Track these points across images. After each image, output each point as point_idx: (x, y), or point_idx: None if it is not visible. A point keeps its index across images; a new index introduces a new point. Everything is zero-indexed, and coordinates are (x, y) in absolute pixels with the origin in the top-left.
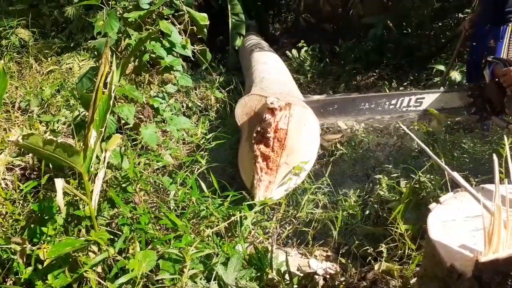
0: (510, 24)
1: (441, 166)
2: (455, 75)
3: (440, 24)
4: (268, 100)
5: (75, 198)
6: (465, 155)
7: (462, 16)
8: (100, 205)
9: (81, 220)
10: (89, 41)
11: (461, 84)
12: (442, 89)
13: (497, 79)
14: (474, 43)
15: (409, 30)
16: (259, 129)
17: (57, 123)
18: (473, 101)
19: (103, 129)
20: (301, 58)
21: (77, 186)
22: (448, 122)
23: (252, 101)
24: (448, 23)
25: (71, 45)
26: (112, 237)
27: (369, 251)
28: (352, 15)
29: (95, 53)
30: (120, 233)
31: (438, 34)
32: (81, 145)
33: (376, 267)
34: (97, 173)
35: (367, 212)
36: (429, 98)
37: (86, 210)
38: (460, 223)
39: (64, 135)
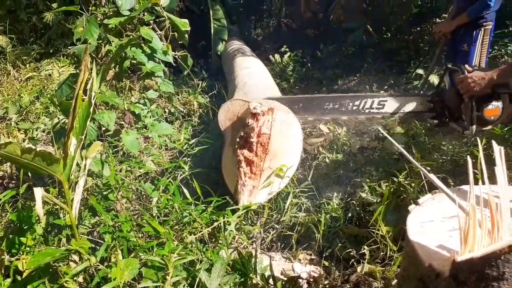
0: (482, 29)
1: (419, 168)
2: (434, 79)
3: (418, 28)
4: (251, 105)
5: (55, 206)
6: (444, 157)
7: (439, 20)
8: (81, 214)
9: (61, 229)
10: (69, 47)
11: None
12: (405, 93)
13: (455, 86)
14: (450, 48)
15: (389, 35)
16: (242, 134)
17: (36, 130)
18: (433, 107)
19: (83, 137)
20: (284, 63)
21: (57, 195)
22: (428, 125)
23: (235, 106)
24: (426, 28)
25: (50, 51)
26: (93, 245)
27: (352, 253)
28: (333, 20)
29: (75, 59)
30: (102, 242)
31: (416, 39)
32: (61, 153)
33: (359, 269)
34: (78, 181)
35: (350, 214)
36: (391, 101)
37: (66, 219)
38: (438, 224)
39: (44, 143)
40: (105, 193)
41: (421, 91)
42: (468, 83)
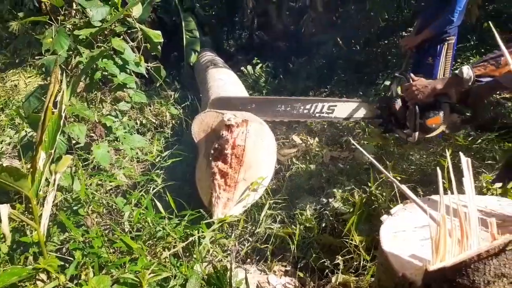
0: (445, 43)
1: (391, 179)
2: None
3: (385, 42)
4: (225, 117)
5: (21, 223)
6: (413, 167)
7: (405, 34)
8: (49, 230)
9: (28, 247)
10: (36, 57)
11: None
12: (355, 99)
13: (401, 94)
14: (416, 61)
15: (358, 48)
16: (216, 145)
17: (1, 143)
18: (380, 113)
19: (52, 150)
20: (256, 75)
21: (24, 211)
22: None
23: (209, 117)
24: (393, 41)
25: (16, 62)
26: (63, 263)
27: (326, 263)
28: (304, 33)
29: (43, 70)
30: (72, 259)
31: (384, 51)
32: (29, 168)
33: (333, 279)
34: (46, 196)
35: (323, 224)
36: (340, 107)
37: (34, 236)
38: (410, 233)
39: (9, 157)
40: (75, 208)
41: None
42: (412, 90)
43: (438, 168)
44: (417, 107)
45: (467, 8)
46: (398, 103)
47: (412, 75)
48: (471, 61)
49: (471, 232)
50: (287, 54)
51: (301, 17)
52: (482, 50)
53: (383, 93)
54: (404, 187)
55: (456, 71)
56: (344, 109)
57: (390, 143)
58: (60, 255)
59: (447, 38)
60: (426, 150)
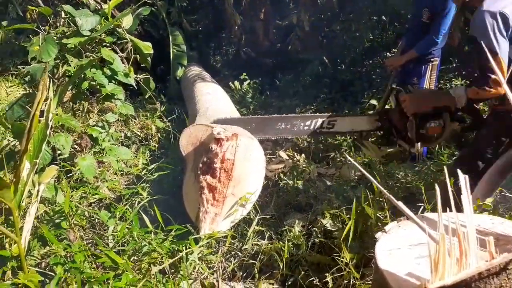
0: (430, 64)
1: (390, 199)
2: None
3: (370, 61)
4: (214, 130)
5: None
6: (398, 185)
7: (389, 54)
8: (29, 243)
9: (6, 261)
10: (19, 66)
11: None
12: (354, 113)
13: (400, 106)
14: (401, 81)
15: (343, 67)
16: (205, 159)
17: None
18: (381, 125)
19: (37, 160)
20: (243, 90)
21: (3, 222)
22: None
23: (198, 131)
24: (378, 61)
25: None
26: (43, 278)
27: (315, 281)
28: (291, 51)
29: (26, 79)
30: (52, 274)
31: (369, 71)
32: (11, 178)
33: None
34: (28, 208)
35: (312, 241)
36: (340, 121)
37: (13, 249)
38: (405, 251)
39: None
40: (57, 220)
41: None
42: (410, 102)
43: (436, 185)
44: (416, 118)
45: (449, 31)
46: (397, 115)
47: (409, 86)
48: (453, 82)
49: (470, 250)
50: (274, 71)
51: (288, 35)
52: (464, 73)
53: (370, 112)
54: (401, 205)
55: (451, 90)
56: (344, 123)
57: (375, 161)
58: (40, 270)
59: (432, 59)
60: (411, 169)
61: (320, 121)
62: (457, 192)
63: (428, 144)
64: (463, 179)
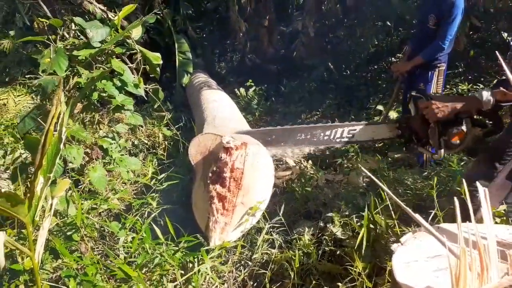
0: (436, 70)
1: (407, 211)
2: (393, 115)
3: (375, 67)
4: (223, 140)
5: (12, 249)
6: (408, 192)
7: (394, 60)
8: (41, 257)
9: (18, 275)
10: (26, 76)
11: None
12: (373, 121)
13: (421, 113)
14: (407, 86)
15: (348, 72)
16: (215, 168)
17: None
18: (401, 133)
19: (51, 175)
20: (249, 97)
21: (16, 236)
22: (389, 159)
23: (207, 140)
24: (383, 66)
25: (6, 80)
26: None
27: None
28: (295, 57)
29: (36, 91)
30: None
31: (374, 76)
32: (25, 193)
33: None
34: (42, 222)
35: (322, 250)
36: (360, 130)
37: (25, 263)
38: (423, 264)
39: None
40: (68, 233)
41: None
42: (432, 109)
43: (455, 198)
44: (438, 125)
45: (455, 36)
46: (418, 122)
47: (431, 93)
48: (459, 87)
49: (491, 264)
50: (278, 77)
51: (292, 42)
52: (470, 77)
53: (375, 118)
54: (419, 217)
55: (476, 94)
56: (364, 132)
57: (383, 167)
58: (53, 284)
59: (438, 65)
60: (419, 174)
61: (340, 130)
62: (471, 199)
63: (450, 150)
64: (482, 192)
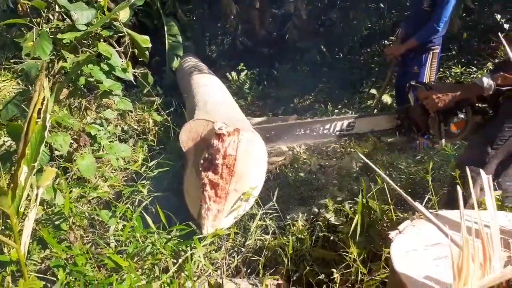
0: (430, 53)
1: (408, 200)
2: (387, 99)
3: (368, 50)
4: (216, 126)
5: None
6: (402, 176)
7: (387, 42)
8: (28, 247)
9: (5, 265)
10: (11, 60)
11: (390, 107)
12: (372, 113)
13: (420, 102)
14: (401, 69)
15: (341, 55)
16: (207, 155)
17: None
18: (401, 123)
19: (35, 164)
20: (240, 81)
21: (1, 226)
22: (383, 144)
23: (198, 126)
24: (376, 49)
25: None
26: (44, 283)
27: (320, 277)
28: (288, 40)
29: (19, 74)
30: (52, 278)
31: (367, 59)
32: (8, 183)
33: None
34: (27, 213)
35: (316, 236)
36: (359, 122)
37: (12, 254)
38: (422, 253)
39: None
40: (56, 222)
41: (375, 110)
42: (432, 99)
43: (458, 187)
44: (438, 114)
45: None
46: (418, 112)
47: (430, 82)
48: (452, 70)
49: (494, 254)
50: (271, 61)
51: (284, 24)
52: (463, 60)
53: (368, 102)
54: (419, 206)
55: (476, 80)
56: (364, 124)
57: (378, 151)
58: (41, 275)
59: (432, 48)
60: (412, 158)
61: (339, 123)
62: (463, 184)
63: (451, 139)
64: (485, 179)
